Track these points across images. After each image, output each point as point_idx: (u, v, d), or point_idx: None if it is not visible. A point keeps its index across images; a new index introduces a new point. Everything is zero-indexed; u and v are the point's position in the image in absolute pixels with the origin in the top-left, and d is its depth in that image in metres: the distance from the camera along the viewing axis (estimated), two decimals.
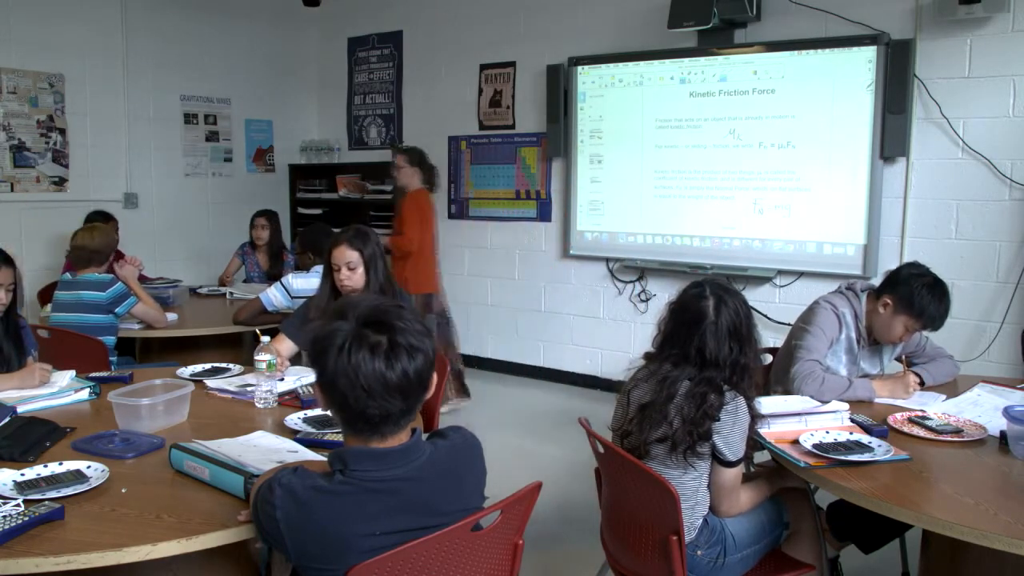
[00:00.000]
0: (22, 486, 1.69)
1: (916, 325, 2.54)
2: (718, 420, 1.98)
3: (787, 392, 2.49)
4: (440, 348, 4.79)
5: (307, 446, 1.96)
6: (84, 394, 2.43)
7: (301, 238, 4.12)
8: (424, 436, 1.54)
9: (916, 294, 2.50)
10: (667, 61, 4.99)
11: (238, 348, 3.99)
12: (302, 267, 3.90)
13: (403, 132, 6.48)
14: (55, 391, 2.40)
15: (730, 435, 2.00)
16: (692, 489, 2.04)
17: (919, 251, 4.27)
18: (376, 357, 1.37)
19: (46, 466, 1.78)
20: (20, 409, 2.21)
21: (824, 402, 2.32)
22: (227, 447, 1.86)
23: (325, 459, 1.50)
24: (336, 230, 3.18)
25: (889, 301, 2.57)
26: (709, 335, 2.03)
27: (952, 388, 2.66)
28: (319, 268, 3.61)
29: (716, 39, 4.77)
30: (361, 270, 2.86)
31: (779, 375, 2.69)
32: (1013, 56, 4.00)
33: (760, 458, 2.57)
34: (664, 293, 5.14)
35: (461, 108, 6.08)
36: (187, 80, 6.08)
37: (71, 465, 1.80)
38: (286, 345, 2.87)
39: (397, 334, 1.39)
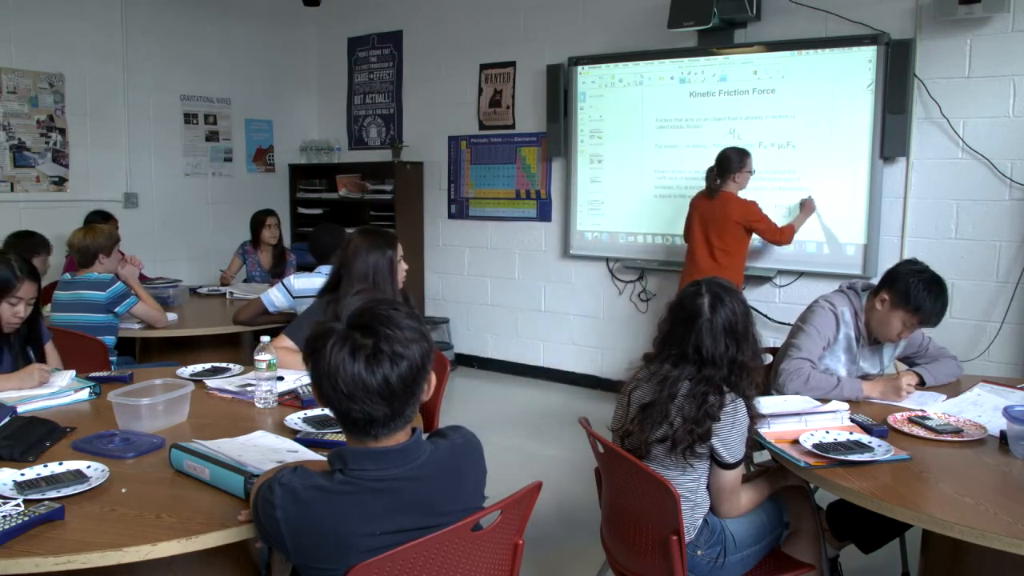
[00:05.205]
0: (22, 486, 1.69)
1: (913, 320, 2.53)
2: (719, 421, 1.98)
3: (777, 389, 2.49)
4: None
5: (307, 446, 1.96)
6: (84, 394, 2.43)
7: (312, 244, 4.02)
8: (424, 436, 1.54)
9: (913, 289, 2.50)
10: (667, 61, 4.99)
11: (238, 348, 3.99)
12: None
13: (403, 132, 6.48)
14: (55, 391, 2.40)
15: (728, 437, 2.00)
16: (692, 489, 2.04)
17: (919, 251, 4.27)
18: (356, 361, 1.36)
19: (46, 466, 1.78)
20: (20, 409, 2.21)
21: (825, 401, 2.32)
22: (227, 447, 1.86)
23: (325, 459, 1.50)
24: (349, 230, 3.13)
25: (887, 296, 2.57)
26: (705, 332, 2.03)
27: (953, 388, 2.66)
28: (322, 268, 3.61)
29: (716, 39, 4.77)
30: None
31: None
32: (1013, 56, 4.00)
33: (760, 458, 2.57)
34: (664, 293, 5.14)
35: (461, 108, 6.08)
36: (187, 80, 6.08)
37: (71, 465, 1.79)
38: (287, 347, 2.86)
39: (382, 340, 1.38)
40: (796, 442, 2.07)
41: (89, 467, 1.79)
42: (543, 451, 4.36)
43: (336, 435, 2.01)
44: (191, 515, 1.59)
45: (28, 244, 3.91)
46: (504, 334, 6.04)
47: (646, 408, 2.06)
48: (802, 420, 2.20)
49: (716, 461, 2.03)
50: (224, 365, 2.83)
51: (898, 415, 2.30)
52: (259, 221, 5.28)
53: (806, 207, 4.48)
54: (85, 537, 1.49)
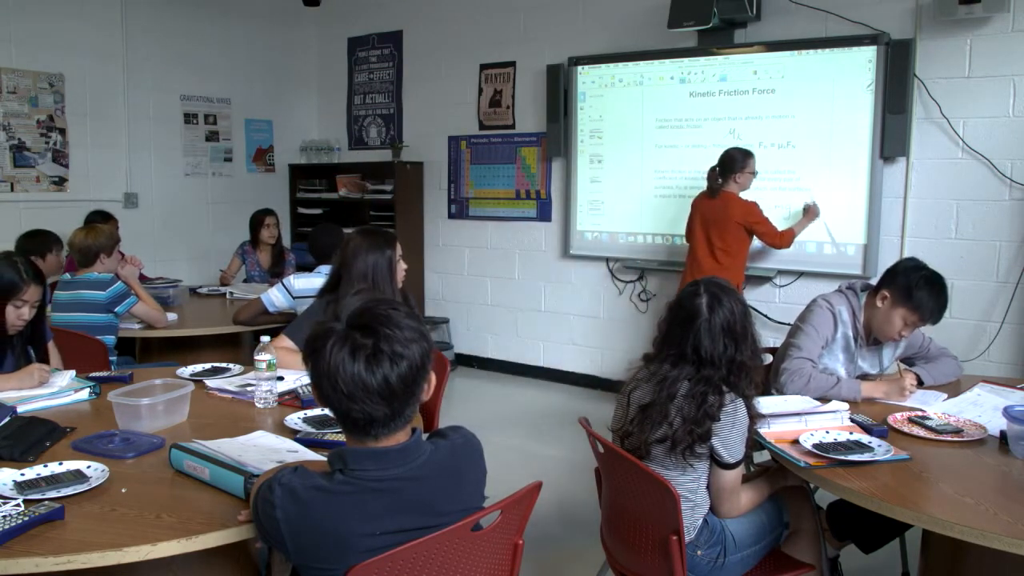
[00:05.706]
0: (22, 486, 1.69)
1: (914, 317, 2.53)
2: (718, 421, 1.98)
3: (778, 389, 2.49)
4: None
5: (307, 446, 1.96)
6: (84, 394, 2.43)
7: (312, 244, 4.01)
8: (424, 436, 1.54)
9: (914, 286, 2.50)
10: (667, 61, 4.99)
11: (238, 348, 3.99)
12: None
13: (403, 132, 6.48)
14: (55, 391, 2.40)
15: (728, 437, 2.00)
16: (692, 489, 2.04)
17: (919, 251, 4.26)
18: (357, 361, 1.36)
19: (46, 466, 1.78)
20: (20, 409, 2.21)
21: (824, 401, 2.32)
22: (227, 447, 1.86)
23: (325, 459, 1.50)
24: (349, 230, 3.12)
25: (887, 294, 2.57)
26: (703, 333, 2.03)
27: (953, 388, 2.66)
28: (322, 268, 3.60)
29: (716, 39, 4.77)
30: None
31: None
32: (1013, 56, 4.00)
33: (760, 458, 2.57)
34: (664, 293, 5.14)
35: (461, 108, 6.08)
36: (187, 80, 6.08)
37: (71, 465, 1.79)
38: (287, 347, 2.86)
39: (382, 340, 1.38)
40: (796, 442, 2.07)
41: (89, 467, 1.79)
42: (543, 451, 4.36)
43: (336, 435, 2.01)
44: (191, 515, 1.59)
45: (39, 242, 3.91)
46: (504, 334, 6.04)
47: (646, 408, 2.06)
48: (802, 420, 2.20)
49: (716, 461, 2.03)
50: (224, 365, 2.83)
51: (898, 415, 2.30)
52: (258, 221, 5.28)
53: (809, 213, 4.47)
54: (85, 537, 1.49)
